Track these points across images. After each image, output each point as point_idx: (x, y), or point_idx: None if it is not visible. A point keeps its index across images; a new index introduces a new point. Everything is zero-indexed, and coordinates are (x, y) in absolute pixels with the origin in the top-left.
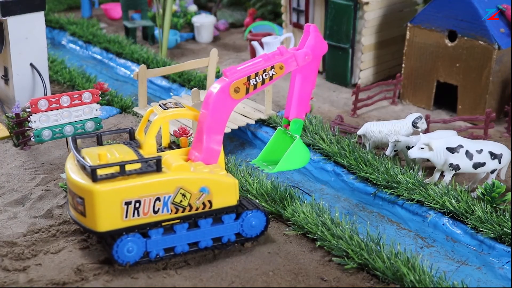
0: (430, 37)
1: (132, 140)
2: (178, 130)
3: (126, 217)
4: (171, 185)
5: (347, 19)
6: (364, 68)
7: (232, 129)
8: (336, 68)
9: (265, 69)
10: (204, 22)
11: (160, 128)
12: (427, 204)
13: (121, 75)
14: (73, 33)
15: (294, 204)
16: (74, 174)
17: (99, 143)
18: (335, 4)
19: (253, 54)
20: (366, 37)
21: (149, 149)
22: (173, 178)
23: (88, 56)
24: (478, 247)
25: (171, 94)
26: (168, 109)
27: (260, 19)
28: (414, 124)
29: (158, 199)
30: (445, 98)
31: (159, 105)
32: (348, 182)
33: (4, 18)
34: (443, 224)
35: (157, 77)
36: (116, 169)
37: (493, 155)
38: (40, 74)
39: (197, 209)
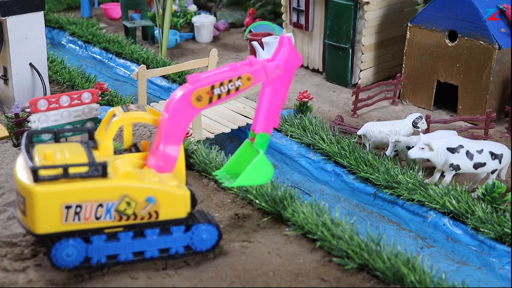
0: (430, 37)
1: (91, 140)
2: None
3: (66, 220)
4: (115, 192)
5: (347, 19)
6: (364, 68)
7: (232, 129)
8: (336, 68)
9: (231, 79)
10: (204, 22)
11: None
12: (427, 204)
13: (121, 75)
14: (73, 33)
15: (294, 204)
16: (20, 171)
17: (56, 140)
18: (335, 4)
19: (253, 54)
20: (366, 37)
21: (105, 151)
22: (117, 186)
23: (87, 56)
24: (479, 247)
25: (171, 94)
26: (129, 111)
27: (260, 19)
28: (414, 124)
29: (100, 205)
30: (445, 98)
31: (121, 106)
32: (348, 182)
33: (3, 18)
34: (444, 225)
35: (157, 77)
36: (61, 170)
37: (494, 155)
38: (39, 74)
39: (142, 218)
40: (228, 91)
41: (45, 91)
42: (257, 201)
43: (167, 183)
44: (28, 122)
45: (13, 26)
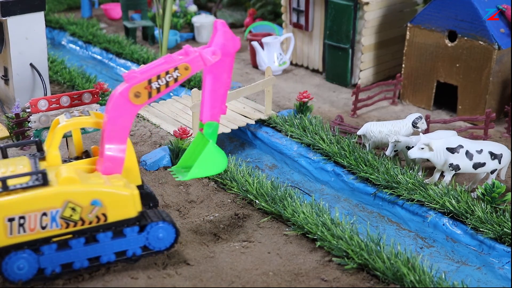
0: (430, 37)
1: (39, 152)
2: (178, 130)
3: (11, 233)
4: (57, 199)
5: (347, 19)
6: (364, 68)
7: (232, 129)
8: (336, 68)
9: (168, 71)
10: (204, 22)
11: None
12: (427, 204)
13: (121, 75)
14: (73, 33)
15: (294, 204)
16: None
17: (4, 156)
18: (335, 4)
19: (253, 54)
20: (366, 37)
21: (52, 161)
22: (58, 192)
23: (88, 56)
24: (478, 247)
25: (171, 94)
26: (71, 118)
27: (260, 19)
28: (414, 124)
29: (44, 214)
30: (445, 98)
31: (65, 114)
32: (348, 182)
33: (4, 18)
34: (443, 224)
35: None
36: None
37: (493, 155)
38: (40, 74)
39: (90, 223)
40: (167, 84)
41: (46, 91)
42: (257, 201)
43: (112, 184)
44: (29, 122)
45: (13, 26)
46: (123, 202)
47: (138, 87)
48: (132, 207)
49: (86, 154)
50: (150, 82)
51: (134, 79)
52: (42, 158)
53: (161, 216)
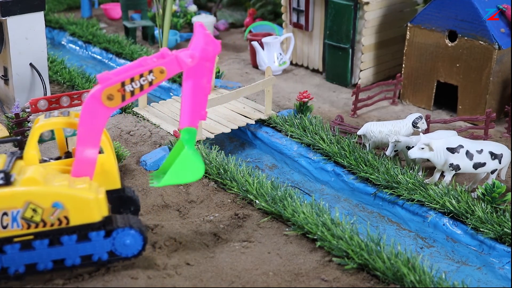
0: (430, 37)
1: (21, 150)
2: (178, 130)
3: None
4: (18, 199)
5: (347, 19)
6: (364, 68)
7: (232, 129)
8: (336, 68)
9: (143, 74)
10: (204, 22)
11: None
12: (427, 204)
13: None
14: (73, 33)
15: (294, 204)
16: None
17: None
18: (335, 4)
19: (253, 54)
20: (366, 37)
21: (29, 161)
22: (18, 192)
23: (88, 56)
24: (478, 247)
25: (171, 94)
26: (50, 118)
27: (260, 19)
28: (414, 124)
29: (5, 213)
30: (445, 98)
31: (45, 114)
32: (348, 182)
33: (3, 18)
34: (443, 224)
35: None
36: None
37: (494, 155)
38: (40, 74)
39: (52, 225)
40: (141, 87)
41: (45, 91)
42: (257, 201)
43: (75, 187)
44: (29, 122)
45: (13, 26)
46: (87, 206)
47: (111, 90)
48: (96, 212)
49: (67, 155)
50: (123, 84)
51: (108, 81)
52: (20, 157)
53: (129, 222)
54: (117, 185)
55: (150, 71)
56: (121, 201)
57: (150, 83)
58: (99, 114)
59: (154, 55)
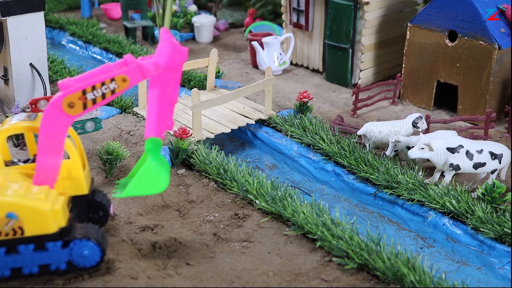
0: (430, 37)
1: None
2: (178, 130)
3: None
4: None
5: (347, 19)
6: (364, 68)
7: (232, 129)
8: (336, 68)
9: (104, 82)
10: (204, 22)
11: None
12: (427, 204)
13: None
14: (73, 33)
15: (294, 204)
16: None
17: None
18: (335, 4)
19: (253, 54)
20: (366, 37)
21: None
22: None
23: (88, 56)
24: (479, 247)
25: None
26: (16, 121)
27: (260, 19)
28: (414, 124)
29: None
30: (445, 98)
31: (12, 117)
32: (348, 182)
33: (4, 18)
34: (444, 224)
35: None
36: None
37: (494, 155)
38: (40, 74)
39: (6, 235)
40: (103, 95)
41: (45, 91)
42: (257, 201)
43: (29, 197)
44: None
45: (13, 26)
46: (42, 217)
47: (71, 97)
48: (52, 222)
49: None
50: (84, 92)
51: (68, 88)
52: None
53: (87, 234)
54: (84, 190)
55: (112, 79)
56: (89, 206)
57: (113, 92)
58: (60, 122)
59: (117, 62)
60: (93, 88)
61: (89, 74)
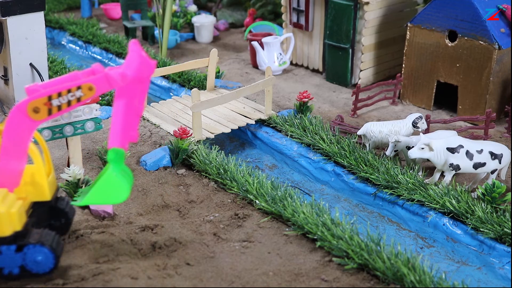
0: (430, 37)
1: None
2: (178, 130)
3: None
4: None
5: (347, 19)
6: (364, 68)
7: (232, 129)
8: (336, 68)
9: (70, 89)
10: (204, 22)
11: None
12: (427, 204)
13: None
14: (73, 33)
15: (294, 204)
16: None
17: None
18: (335, 4)
19: (253, 54)
20: (366, 37)
21: None
22: None
23: (88, 56)
24: (479, 247)
25: (171, 94)
26: None
27: (260, 19)
28: (414, 124)
29: None
30: (445, 98)
31: None
32: (348, 182)
33: (4, 18)
34: (444, 224)
35: (157, 77)
36: None
37: (494, 155)
38: (40, 74)
39: None
40: (69, 102)
41: None
42: (257, 201)
43: None
44: None
45: (13, 26)
46: None
47: (37, 102)
48: (7, 226)
49: None
50: (50, 98)
51: (35, 93)
52: None
53: (41, 240)
54: (46, 197)
55: (79, 87)
56: (51, 213)
57: (78, 100)
58: (24, 126)
59: (85, 70)
60: (59, 94)
61: (57, 81)
